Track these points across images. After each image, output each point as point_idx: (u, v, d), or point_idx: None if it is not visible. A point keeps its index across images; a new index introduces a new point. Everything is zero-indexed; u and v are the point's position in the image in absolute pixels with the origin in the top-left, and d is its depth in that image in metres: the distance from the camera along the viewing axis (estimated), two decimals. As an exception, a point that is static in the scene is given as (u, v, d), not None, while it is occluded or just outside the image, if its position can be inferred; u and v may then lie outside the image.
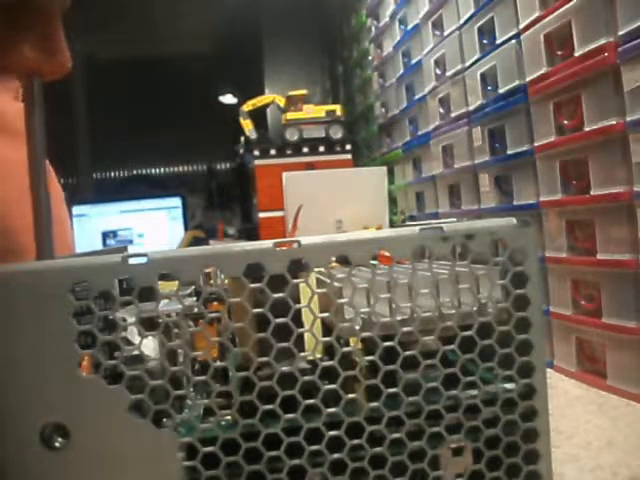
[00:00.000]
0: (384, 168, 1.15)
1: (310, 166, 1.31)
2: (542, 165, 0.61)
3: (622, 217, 0.49)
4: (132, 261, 0.20)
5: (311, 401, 0.21)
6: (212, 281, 0.29)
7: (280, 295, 0.21)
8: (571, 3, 0.53)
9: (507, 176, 0.70)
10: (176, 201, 1.71)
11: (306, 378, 0.21)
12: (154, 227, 1.67)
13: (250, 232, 1.52)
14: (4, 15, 0.27)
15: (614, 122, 0.49)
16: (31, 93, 0.30)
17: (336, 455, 0.21)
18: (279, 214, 1.19)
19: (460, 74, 0.79)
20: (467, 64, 0.77)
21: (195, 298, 0.29)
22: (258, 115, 1.53)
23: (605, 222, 0.52)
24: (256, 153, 1.35)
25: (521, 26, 0.63)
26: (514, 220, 0.22)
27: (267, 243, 0.21)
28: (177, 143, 2.40)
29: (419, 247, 0.22)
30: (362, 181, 1.14)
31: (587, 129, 0.53)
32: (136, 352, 0.21)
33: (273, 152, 1.35)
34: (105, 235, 1.65)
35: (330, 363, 0.21)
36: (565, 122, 0.58)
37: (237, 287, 0.21)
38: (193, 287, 0.31)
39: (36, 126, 0.30)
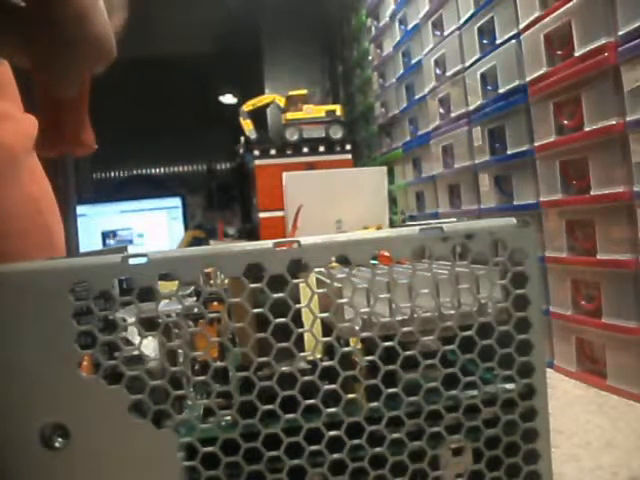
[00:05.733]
0: (384, 168, 1.15)
1: (310, 166, 1.31)
2: (542, 165, 0.61)
3: (622, 217, 0.49)
4: (132, 261, 0.20)
5: (311, 401, 0.21)
6: (212, 281, 0.29)
7: (280, 295, 0.21)
8: (571, 3, 0.53)
9: (507, 176, 0.70)
10: (176, 201, 1.71)
11: (306, 378, 0.21)
12: (154, 227, 1.68)
13: (250, 232, 1.52)
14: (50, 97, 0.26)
15: (614, 122, 0.49)
16: (65, 171, 0.28)
17: (336, 455, 0.21)
18: (279, 214, 1.19)
19: (460, 74, 0.79)
20: (467, 64, 0.77)
21: (195, 298, 0.29)
22: (258, 115, 1.53)
23: (605, 222, 0.52)
24: (256, 153, 1.35)
25: (521, 26, 0.63)
26: (514, 220, 0.22)
27: (267, 243, 0.21)
28: (177, 143, 2.41)
29: (419, 247, 0.22)
30: (362, 181, 1.14)
31: (587, 129, 0.53)
32: (136, 352, 0.21)
33: (273, 152, 1.35)
34: (105, 235, 1.65)
35: (330, 363, 0.21)
36: (565, 122, 0.58)
37: (237, 287, 0.21)
38: (193, 287, 0.31)
39: (70, 206, 0.28)
